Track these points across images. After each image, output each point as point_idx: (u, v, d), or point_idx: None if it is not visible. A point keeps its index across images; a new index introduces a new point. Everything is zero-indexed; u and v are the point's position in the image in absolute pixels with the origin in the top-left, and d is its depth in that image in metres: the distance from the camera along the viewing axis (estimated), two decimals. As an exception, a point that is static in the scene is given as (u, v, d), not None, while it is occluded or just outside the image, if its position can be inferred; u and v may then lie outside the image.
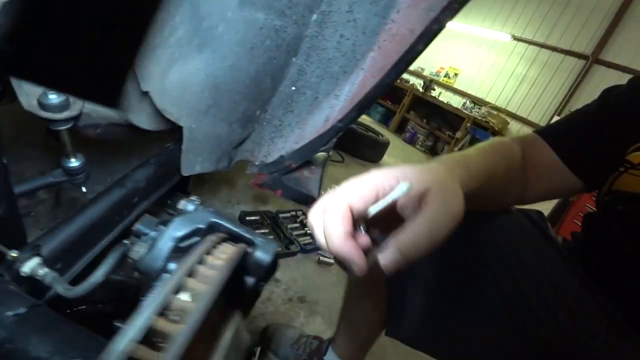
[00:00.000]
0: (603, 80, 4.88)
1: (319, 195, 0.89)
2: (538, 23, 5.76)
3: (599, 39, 5.01)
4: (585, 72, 5.09)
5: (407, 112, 6.45)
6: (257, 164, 0.93)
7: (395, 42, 0.65)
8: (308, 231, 1.76)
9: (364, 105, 0.71)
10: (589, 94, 4.98)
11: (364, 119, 6.00)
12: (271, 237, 1.57)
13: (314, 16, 0.70)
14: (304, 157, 0.84)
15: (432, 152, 6.00)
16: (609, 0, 4.98)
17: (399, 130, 6.46)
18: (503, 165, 0.52)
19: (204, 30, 0.67)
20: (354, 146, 3.14)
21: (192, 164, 0.84)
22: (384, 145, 3.37)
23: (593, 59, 5.03)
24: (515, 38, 5.92)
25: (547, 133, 0.64)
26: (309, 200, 0.90)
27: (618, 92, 0.62)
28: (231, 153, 0.91)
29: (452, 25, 6.69)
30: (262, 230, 1.63)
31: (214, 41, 0.69)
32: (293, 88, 0.80)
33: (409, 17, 0.63)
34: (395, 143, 5.44)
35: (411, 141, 6.04)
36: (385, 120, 6.75)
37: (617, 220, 0.59)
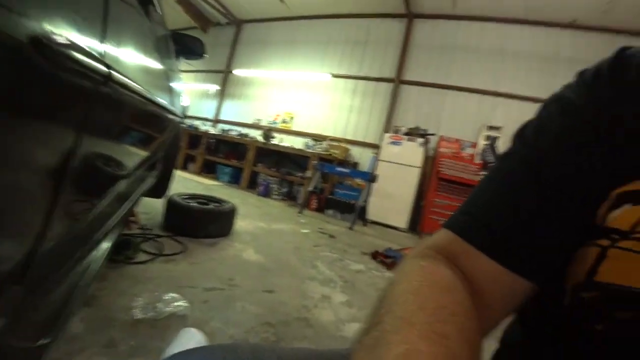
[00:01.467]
0: (410, 94, 5.98)
1: None
2: (349, 60, 6.59)
3: (397, 65, 6.09)
4: (395, 92, 6.01)
5: (255, 165, 6.26)
6: None
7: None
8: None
9: None
10: (404, 108, 6.01)
11: (208, 185, 5.54)
12: None
13: None
14: None
15: (289, 197, 5.90)
16: (395, 34, 6.24)
17: (252, 185, 6.20)
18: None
19: None
20: (194, 226, 2.65)
21: None
22: (230, 213, 2.96)
23: (398, 81, 6.03)
24: (334, 75, 6.54)
25: (468, 231, 0.36)
26: None
27: (546, 125, 0.37)
28: None
29: (277, 74, 7.02)
30: None
31: None
32: None
33: None
34: (250, 200, 5.13)
35: (266, 193, 5.81)
36: (235, 180, 6.41)
37: (619, 339, 0.29)
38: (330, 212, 5.25)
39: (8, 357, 0.48)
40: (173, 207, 2.68)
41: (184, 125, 3.80)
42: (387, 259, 2.97)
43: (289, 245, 3.06)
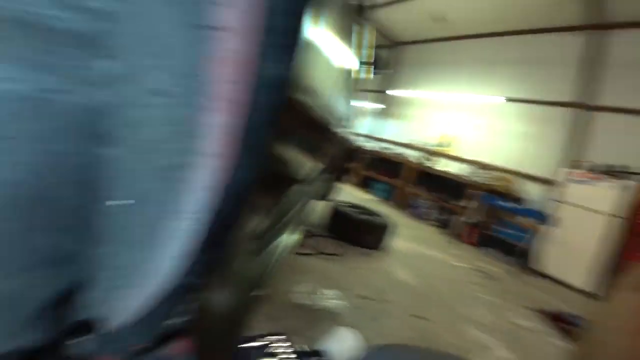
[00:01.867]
0: (603, 123, 4.79)
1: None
2: (519, 81, 5.83)
3: (584, 87, 4.99)
4: (581, 120, 4.97)
5: (409, 185, 6.12)
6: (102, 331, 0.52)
7: (242, 73, 0.29)
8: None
9: (224, 235, 0.33)
10: (594, 139, 4.85)
11: (363, 198, 5.66)
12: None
13: (105, 63, 0.35)
14: (149, 331, 0.43)
15: (442, 224, 5.48)
16: (579, 50, 5.13)
17: (402, 205, 6.06)
18: None
19: None
20: (353, 234, 2.73)
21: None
22: (386, 228, 2.91)
23: (585, 106, 4.93)
24: (508, 99, 5.84)
25: None
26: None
27: None
28: (49, 317, 0.51)
29: (438, 96, 6.76)
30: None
31: None
32: (116, 202, 0.42)
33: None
34: (401, 220, 5.00)
35: (418, 215, 5.58)
36: (388, 197, 6.41)
37: None
38: (487, 249, 4.67)
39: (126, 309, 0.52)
40: (336, 213, 2.82)
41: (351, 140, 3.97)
42: (568, 325, 2.39)
43: (441, 274, 2.83)
